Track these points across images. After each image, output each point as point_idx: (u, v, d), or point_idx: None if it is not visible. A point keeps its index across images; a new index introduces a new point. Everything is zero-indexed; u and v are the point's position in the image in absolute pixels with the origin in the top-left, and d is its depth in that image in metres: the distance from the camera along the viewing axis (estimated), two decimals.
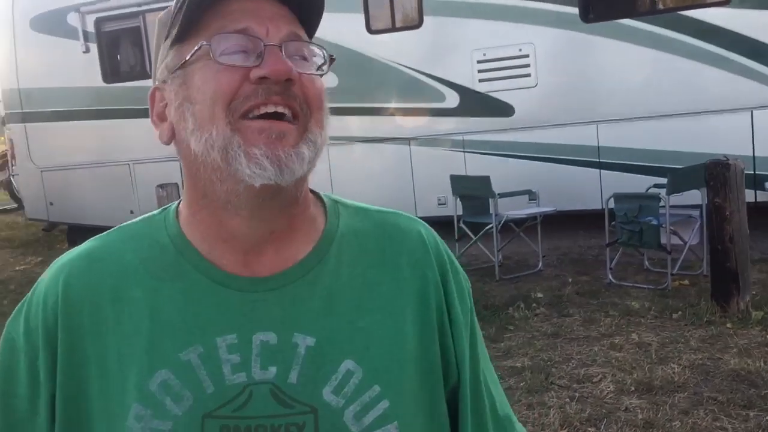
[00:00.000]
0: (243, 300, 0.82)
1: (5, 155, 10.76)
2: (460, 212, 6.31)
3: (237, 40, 0.78)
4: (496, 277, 5.86)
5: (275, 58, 0.77)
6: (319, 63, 0.83)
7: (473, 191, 6.10)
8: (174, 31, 0.81)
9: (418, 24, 7.19)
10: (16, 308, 0.86)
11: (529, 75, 6.91)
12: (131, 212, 7.82)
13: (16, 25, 8.44)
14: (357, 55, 7.39)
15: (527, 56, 6.87)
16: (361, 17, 7.30)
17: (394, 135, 7.46)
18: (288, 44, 0.80)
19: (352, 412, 0.80)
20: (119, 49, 8.47)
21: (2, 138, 12.28)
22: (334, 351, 0.82)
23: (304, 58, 0.81)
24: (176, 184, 6.16)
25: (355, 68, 7.45)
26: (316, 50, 0.83)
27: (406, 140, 7.43)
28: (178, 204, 0.90)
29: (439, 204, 7.24)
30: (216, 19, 0.79)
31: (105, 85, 8.25)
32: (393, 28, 7.35)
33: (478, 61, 7.04)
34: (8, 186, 11.70)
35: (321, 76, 0.83)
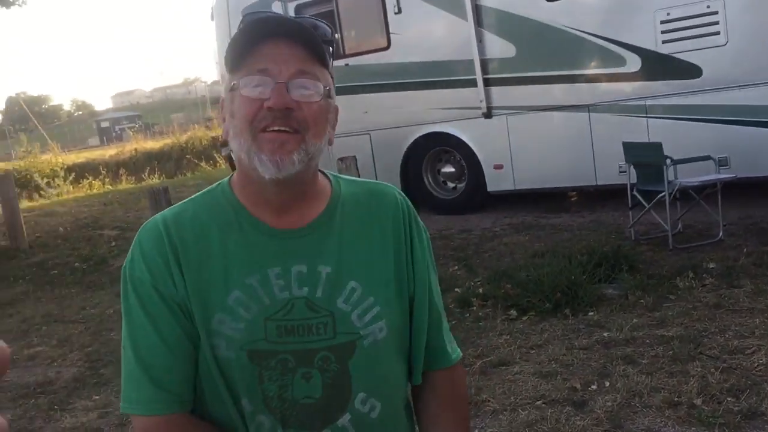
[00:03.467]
0: (283, 244, 1.22)
1: None
2: (635, 180, 6.17)
3: (256, 80, 1.16)
4: (669, 246, 5.69)
5: (279, 93, 1.14)
6: (321, 90, 1.18)
7: (646, 158, 5.93)
8: (227, 65, 1.20)
9: None
10: (128, 257, 1.23)
11: (718, 33, 6.47)
12: None
13: (230, 15, 9.41)
14: (534, 23, 7.40)
15: (716, 13, 6.44)
16: None
17: (573, 102, 7.39)
18: (293, 81, 1.15)
19: (356, 315, 1.22)
20: None
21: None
22: (343, 275, 1.23)
23: (306, 88, 1.16)
24: (354, 156, 6.67)
25: (532, 37, 7.49)
26: (317, 82, 1.18)
27: (585, 107, 7.32)
28: (230, 178, 1.29)
29: (620, 172, 7.03)
30: (252, 56, 1.16)
31: None
32: None
33: (662, 22, 6.72)
34: (229, 159, 13.14)
35: (320, 99, 1.18)
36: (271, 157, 1.14)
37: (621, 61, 7.02)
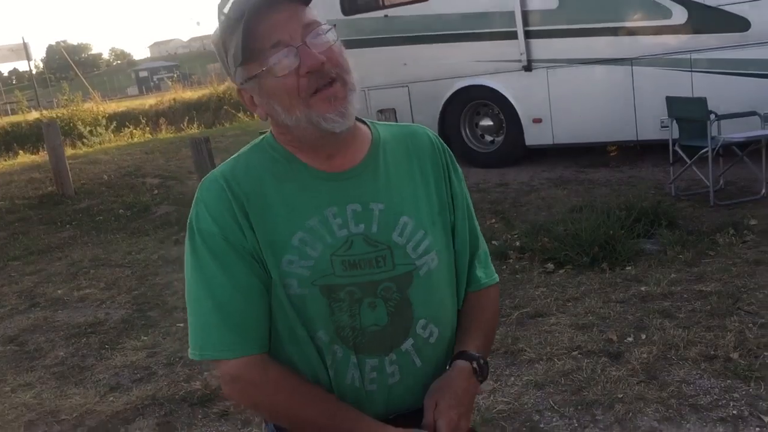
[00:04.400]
0: (336, 186, 1.30)
1: None
2: (678, 135, 6.10)
3: (279, 55, 1.20)
4: (710, 203, 5.64)
5: (308, 55, 1.20)
6: (329, 30, 1.23)
7: (689, 113, 5.84)
8: (231, 58, 1.24)
9: None
10: (193, 213, 1.29)
11: None
12: None
13: None
14: None
15: None
16: None
17: (616, 56, 7.26)
18: (307, 37, 1.20)
19: (411, 247, 1.32)
20: None
21: None
22: (395, 211, 1.32)
23: (320, 35, 1.22)
24: (393, 109, 6.68)
25: None
26: (323, 26, 1.23)
27: (628, 60, 7.20)
28: (270, 131, 1.34)
29: (662, 127, 6.95)
30: (255, 41, 1.19)
31: (343, 17, 8.92)
32: None
33: None
34: None
35: (334, 39, 1.24)
36: (335, 112, 1.22)
37: (667, 12, 6.86)
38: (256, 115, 1.36)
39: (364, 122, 1.38)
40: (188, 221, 1.30)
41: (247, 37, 1.18)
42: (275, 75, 1.20)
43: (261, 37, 1.19)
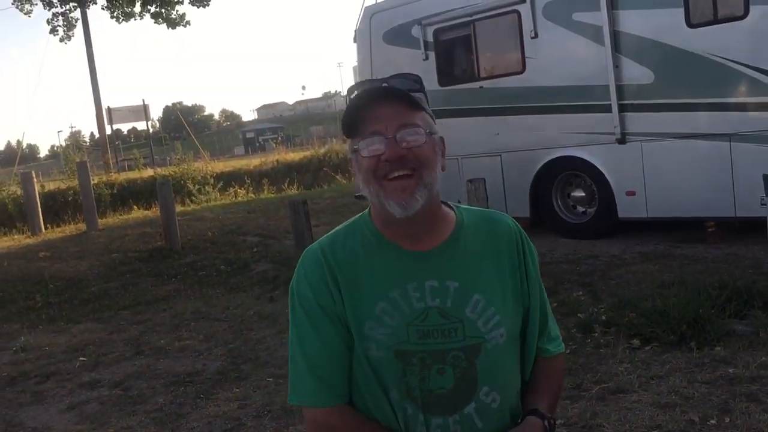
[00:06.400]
0: (417, 264, 1.50)
1: None
2: None
3: (371, 141, 1.44)
4: None
5: (391, 147, 1.42)
6: (422, 133, 1.45)
7: None
8: (344, 132, 1.51)
9: (743, 15, 6.83)
10: (294, 278, 1.54)
11: None
12: (458, 201, 8.68)
13: (372, 38, 9.86)
14: (675, 50, 7.28)
15: None
16: (681, 11, 7.17)
17: (713, 131, 7.19)
18: (399, 133, 1.43)
19: (481, 322, 1.48)
20: (452, 56, 9.45)
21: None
22: (469, 289, 1.49)
23: (411, 135, 1.44)
24: (483, 179, 6.84)
25: (672, 63, 7.37)
26: (417, 128, 1.45)
27: (726, 136, 7.11)
28: (369, 210, 1.57)
29: (762, 204, 6.79)
30: (362, 123, 1.46)
31: (440, 88, 9.26)
32: (715, 20, 7.08)
33: None
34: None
35: (425, 140, 1.45)
36: (397, 201, 1.43)
37: (766, 89, 6.78)
38: (352, 179, 1.60)
39: (451, 207, 1.58)
40: (290, 285, 1.54)
41: (355, 119, 1.46)
42: (362, 155, 1.44)
43: (366, 123, 1.44)
